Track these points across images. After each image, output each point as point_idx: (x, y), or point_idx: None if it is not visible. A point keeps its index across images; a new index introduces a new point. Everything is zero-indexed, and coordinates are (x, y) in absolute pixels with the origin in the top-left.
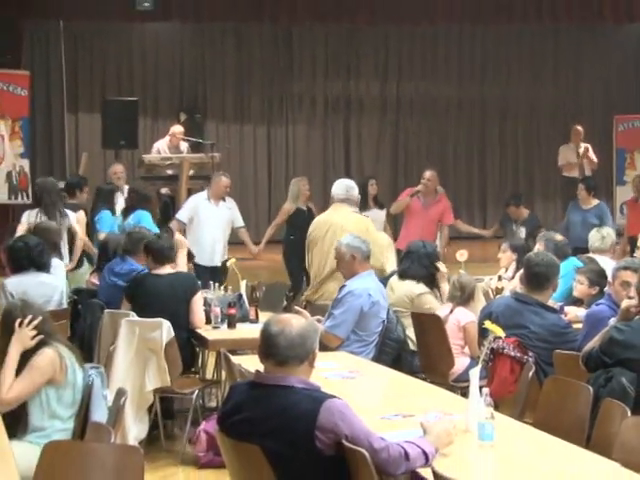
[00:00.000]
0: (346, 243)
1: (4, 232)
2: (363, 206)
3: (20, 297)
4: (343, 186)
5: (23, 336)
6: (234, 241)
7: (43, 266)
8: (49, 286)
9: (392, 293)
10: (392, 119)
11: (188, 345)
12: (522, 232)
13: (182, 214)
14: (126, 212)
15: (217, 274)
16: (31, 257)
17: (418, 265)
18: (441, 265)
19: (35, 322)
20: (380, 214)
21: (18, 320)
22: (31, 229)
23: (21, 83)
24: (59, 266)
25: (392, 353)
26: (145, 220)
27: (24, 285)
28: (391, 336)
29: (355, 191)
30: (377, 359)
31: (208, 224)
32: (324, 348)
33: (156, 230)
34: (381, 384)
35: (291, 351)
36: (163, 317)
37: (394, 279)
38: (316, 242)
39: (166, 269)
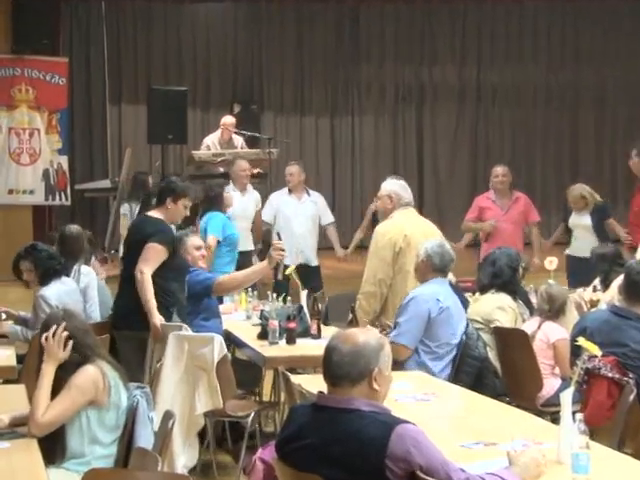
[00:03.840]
0: (426, 247)
1: (42, 239)
2: None
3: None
4: (404, 186)
5: (53, 349)
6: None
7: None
8: (76, 292)
9: (471, 307)
10: (471, 108)
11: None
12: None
13: (265, 213)
14: (201, 214)
15: (310, 277)
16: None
17: (498, 274)
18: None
19: (60, 331)
20: None
21: (44, 335)
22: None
23: (59, 71)
24: (89, 273)
25: (472, 373)
26: (215, 220)
27: (63, 294)
28: (471, 353)
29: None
30: (455, 379)
31: (292, 222)
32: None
33: (218, 234)
34: (460, 408)
35: (340, 370)
36: None
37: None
38: (404, 254)
39: None
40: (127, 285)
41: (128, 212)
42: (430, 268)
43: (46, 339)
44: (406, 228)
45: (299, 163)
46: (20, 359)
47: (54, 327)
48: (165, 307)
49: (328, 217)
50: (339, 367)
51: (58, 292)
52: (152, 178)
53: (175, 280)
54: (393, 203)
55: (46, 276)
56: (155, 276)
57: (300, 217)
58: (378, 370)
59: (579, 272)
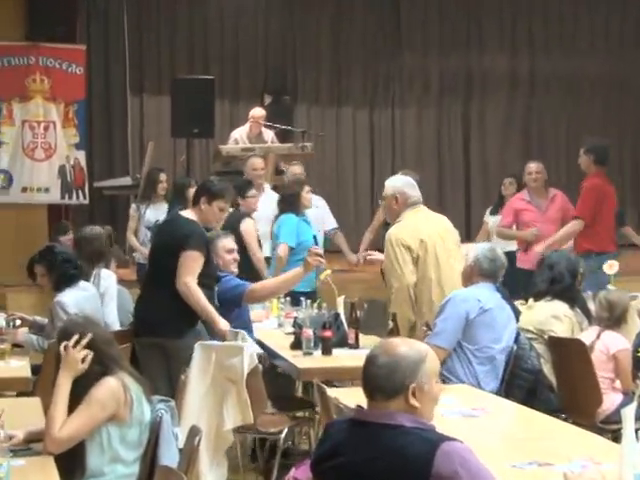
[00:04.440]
0: (476, 251)
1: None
2: (495, 210)
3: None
4: (410, 183)
5: (70, 360)
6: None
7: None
8: (96, 298)
9: (523, 315)
10: (523, 100)
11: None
12: None
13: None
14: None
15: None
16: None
17: (557, 279)
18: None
19: (84, 341)
20: None
21: (64, 344)
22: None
23: (76, 60)
24: (109, 277)
25: (525, 386)
26: (288, 225)
27: (81, 301)
28: (523, 365)
29: None
30: (506, 393)
31: None
32: None
33: (290, 241)
34: (511, 424)
35: (374, 383)
36: None
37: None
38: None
39: None
40: (151, 289)
41: (135, 213)
42: (477, 272)
43: (65, 348)
44: (421, 232)
45: (300, 163)
46: (35, 370)
47: (76, 336)
48: (190, 316)
49: (331, 223)
50: (374, 379)
51: (76, 298)
52: (176, 174)
53: (205, 287)
54: (399, 204)
55: (61, 282)
56: None
57: (257, 214)
58: (417, 386)
59: None
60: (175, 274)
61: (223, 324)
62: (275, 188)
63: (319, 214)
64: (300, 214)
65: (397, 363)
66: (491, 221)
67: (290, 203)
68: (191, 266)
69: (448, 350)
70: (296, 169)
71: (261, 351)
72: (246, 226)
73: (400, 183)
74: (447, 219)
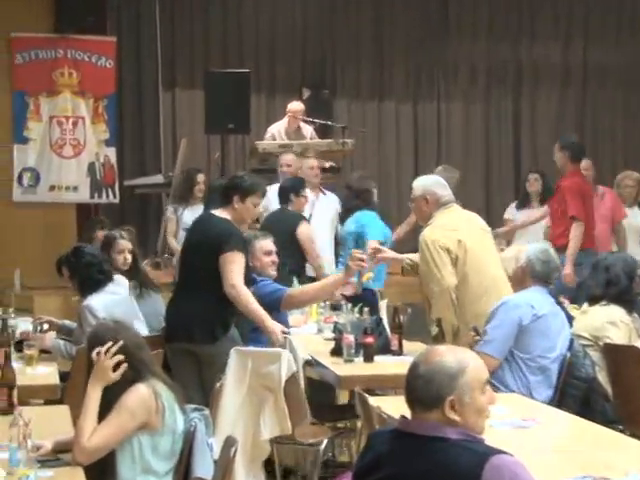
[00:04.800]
0: (527, 252)
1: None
2: (521, 205)
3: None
4: (440, 182)
5: (102, 368)
6: None
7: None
8: (126, 302)
9: (577, 321)
10: (577, 92)
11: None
12: None
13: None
14: (344, 215)
15: None
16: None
17: (613, 282)
18: None
19: (115, 348)
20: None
21: (96, 350)
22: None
23: (106, 52)
24: (125, 284)
25: (578, 396)
26: (374, 224)
27: (111, 305)
28: (577, 374)
29: None
30: (558, 403)
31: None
32: None
33: (380, 237)
34: (564, 436)
35: (412, 392)
36: None
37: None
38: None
39: None
40: (183, 292)
41: (174, 215)
42: (529, 275)
43: (97, 355)
44: (458, 231)
45: (314, 156)
46: (63, 377)
47: (109, 343)
48: (225, 320)
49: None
50: (412, 389)
51: (105, 302)
52: (210, 172)
53: None
54: (430, 205)
55: (85, 286)
56: (216, 282)
57: (316, 218)
58: (455, 399)
59: None
60: (210, 276)
61: (274, 326)
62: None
63: (335, 211)
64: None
65: (434, 374)
66: (518, 217)
67: (365, 199)
68: (236, 268)
69: (499, 360)
70: (312, 162)
71: (309, 357)
72: (304, 230)
73: (429, 182)
74: (481, 219)
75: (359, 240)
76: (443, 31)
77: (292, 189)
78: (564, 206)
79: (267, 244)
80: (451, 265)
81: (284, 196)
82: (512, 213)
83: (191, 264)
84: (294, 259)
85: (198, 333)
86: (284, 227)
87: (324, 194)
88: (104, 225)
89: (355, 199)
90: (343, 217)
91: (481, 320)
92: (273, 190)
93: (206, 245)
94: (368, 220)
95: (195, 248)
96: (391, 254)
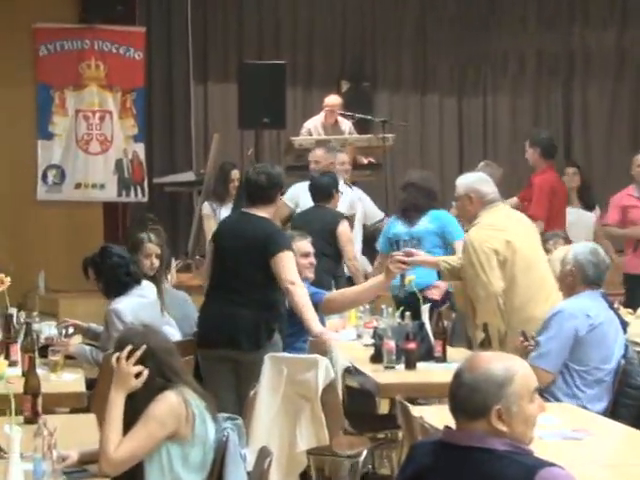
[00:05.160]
0: (574, 253)
1: (117, 240)
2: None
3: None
4: (484, 179)
5: (123, 374)
6: None
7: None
8: (155, 305)
9: (631, 326)
10: (632, 83)
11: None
12: None
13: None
14: (410, 215)
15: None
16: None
17: None
18: None
19: (138, 353)
20: (586, 217)
21: (115, 355)
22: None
23: (135, 43)
24: (152, 287)
25: (634, 406)
26: (453, 222)
27: (139, 308)
28: (631, 382)
29: None
30: (612, 413)
31: None
32: None
33: (461, 236)
34: (618, 448)
35: (456, 402)
36: None
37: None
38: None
39: None
40: (226, 295)
41: (211, 212)
42: (581, 280)
43: (117, 360)
44: (506, 232)
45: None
46: (90, 384)
47: (129, 347)
48: (271, 325)
49: (377, 214)
50: (457, 398)
51: (132, 306)
52: (243, 170)
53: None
54: (474, 204)
55: (111, 288)
56: (262, 286)
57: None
58: (502, 408)
59: None
60: (256, 280)
61: (322, 330)
62: (354, 184)
63: (362, 208)
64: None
65: (479, 382)
66: None
67: (434, 199)
68: (292, 265)
69: (554, 374)
70: (343, 157)
71: (349, 364)
72: (345, 228)
73: (472, 180)
74: (529, 220)
75: (443, 239)
76: (490, 19)
77: (334, 185)
78: None
79: (305, 245)
80: (499, 268)
81: (324, 193)
82: None
83: (232, 268)
84: (331, 259)
85: (243, 339)
86: (323, 225)
87: (351, 188)
88: (155, 224)
89: (425, 198)
90: (411, 216)
91: (529, 325)
92: (304, 187)
93: (254, 248)
94: (447, 219)
95: (239, 251)
96: (426, 257)
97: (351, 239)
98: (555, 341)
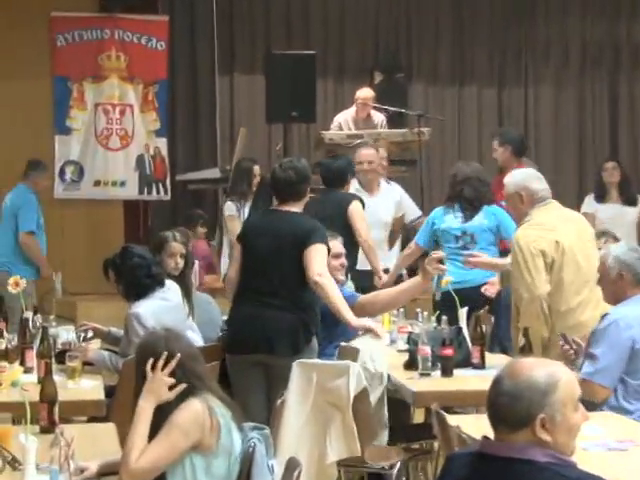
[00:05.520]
0: (615, 255)
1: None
2: (599, 198)
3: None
4: (535, 176)
5: (158, 385)
6: None
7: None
8: (179, 309)
9: None
10: None
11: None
12: None
13: None
14: (468, 209)
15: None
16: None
17: None
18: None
19: (174, 362)
20: (627, 213)
21: (150, 361)
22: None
23: (157, 33)
24: (177, 290)
25: None
26: (508, 219)
27: (160, 312)
28: None
29: None
30: None
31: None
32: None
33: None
34: None
35: (496, 411)
36: None
37: None
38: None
39: None
40: (259, 298)
41: (235, 212)
42: (630, 283)
43: (153, 368)
44: (556, 231)
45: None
46: (109, 391)
47: (164, 355)
48: (310, 328)
49: (415, 212)
50: (496, 408)
51: (153, 309)
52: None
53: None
54: (525, 202)
55: (131, 291)
56: (298, 286)
57: (375, 216)
58: (546, 417)
59: None
60: (294, 281)
61: (357, 322)
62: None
63: (387, 206)
64: None
65: (522, 390)
66: (601, 211)
67: (489, 193)
68: (321, 259)
69: (611, 389)
70: (381, 152)
71: (384, 370)
72: (356, 207)
73: (522, 177)
74: (584, 219)
75: (497, 236)
76: (531, 7)
77: (349, 169)
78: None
79: (336, 246)
80: (545, 270)
81: (338, 177)
82: (592, 206)
83: (265, 268)
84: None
85: (280, 343)
86: (336, 210)
87: (390, 185)
88: (205, 220)
89: (487, 192)
90: (469, 210)
91: (576, 332)
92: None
93: (292, 245)
94: (502, 216)
95: (273, 250)
96: (489, 259)
97: (363, 217)
98: (611, 354)
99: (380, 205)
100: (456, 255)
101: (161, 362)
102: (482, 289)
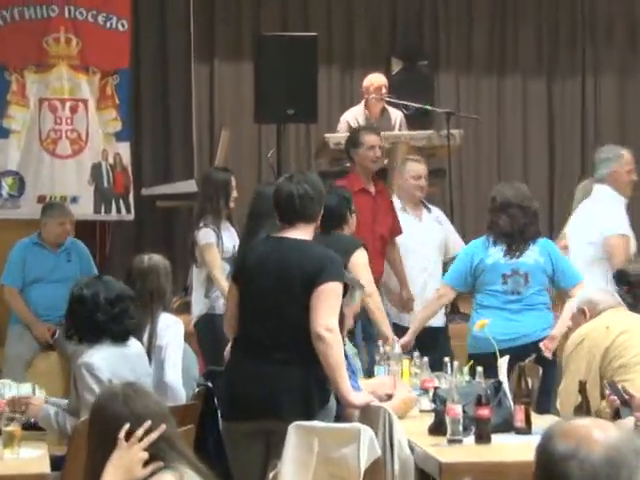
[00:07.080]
0: None
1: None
2: None
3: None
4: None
5: (131, 460)
6: None
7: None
8: (141, 357)
9: None
10: None
11: None
12: None
13: None
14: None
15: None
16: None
17: None
18: None
19: (153, 436)
20: None
21: (125, 427)
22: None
23: (118, 10)
24: (173, 326)
25: None
26: (565, 261)
27: (115, 361)
28: None
29: None
30: None
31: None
32: None
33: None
34: None
35: None
36: None
37: None
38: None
39: None
40: (261, 350)
41: (214, 239)
42: None
43: (127, 437)
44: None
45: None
46: (56, 463)
47: (147, 424)
48: (322, 387)
49: (458, 244)
50: None
51: (107, 358)
52: (261, 177)
53: None
54: (586, 318)
55: (82, 334)
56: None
57: (422, 244)
58: None
59: None
60: (305, 326)
61: (358, 400)
62: None
63: (443, 234)
64: None
65: (616, 458)
66: None
67: (537, 223)
68: (333, 305)
69: None
70: (417, 168)
71: (403, 437)
72: (360, 257)
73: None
74: None
75: (551, 279)
76: None
77: (345, 204)
78: None
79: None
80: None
81: (338, 216)
82: None
83: (270, 314)
84: None
85: (288, 405)
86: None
87: (429, 211)
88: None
89: (534, 222)
90: (517, 244)
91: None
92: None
93: (305, 283)
94: (558, 255)
95: (280, 291)
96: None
97: (368, 269)
98: None
99: (428, 227)
100: (505, 302)
101: (140, 431)
102: (541, 344)
